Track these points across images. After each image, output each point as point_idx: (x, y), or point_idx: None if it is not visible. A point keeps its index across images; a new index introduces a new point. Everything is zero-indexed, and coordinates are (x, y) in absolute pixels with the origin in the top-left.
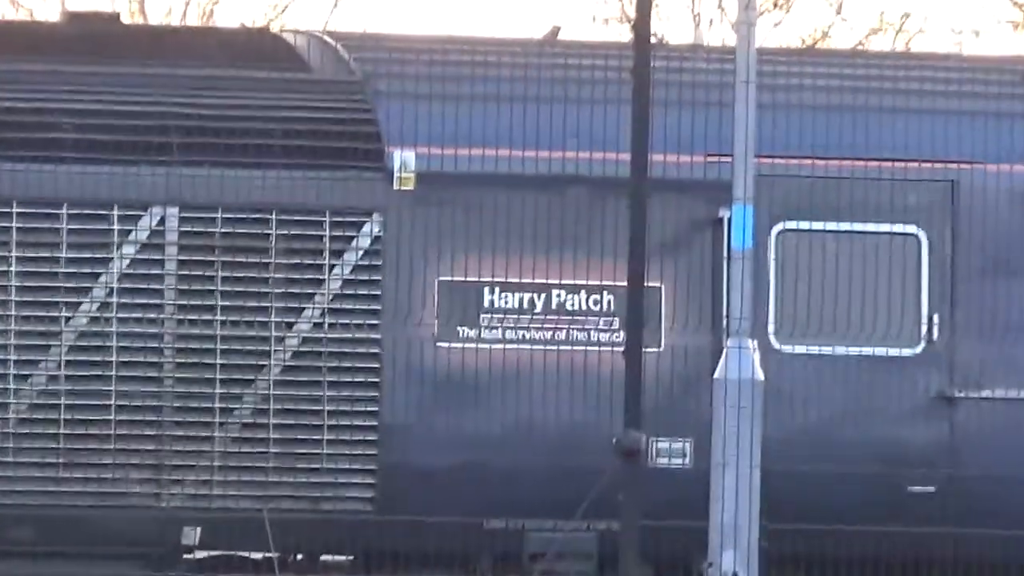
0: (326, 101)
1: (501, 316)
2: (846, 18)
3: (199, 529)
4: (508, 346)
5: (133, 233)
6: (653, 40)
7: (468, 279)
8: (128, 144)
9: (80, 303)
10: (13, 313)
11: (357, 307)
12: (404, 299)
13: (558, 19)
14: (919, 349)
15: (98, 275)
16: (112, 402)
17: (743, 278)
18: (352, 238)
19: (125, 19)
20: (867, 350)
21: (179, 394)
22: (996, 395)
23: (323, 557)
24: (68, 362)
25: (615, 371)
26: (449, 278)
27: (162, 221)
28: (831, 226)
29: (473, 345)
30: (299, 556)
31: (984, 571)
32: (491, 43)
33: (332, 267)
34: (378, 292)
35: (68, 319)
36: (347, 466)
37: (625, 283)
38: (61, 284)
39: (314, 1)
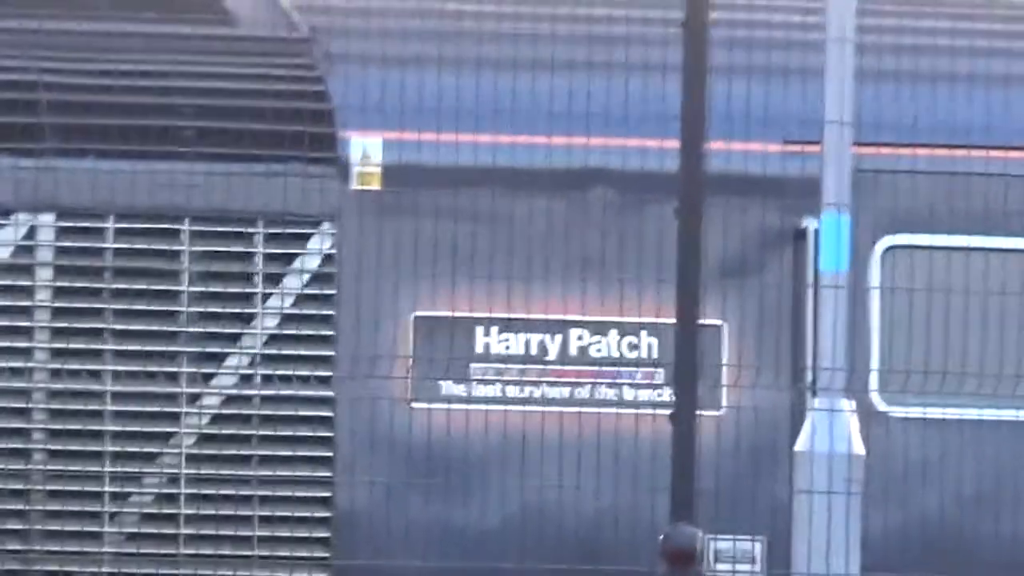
0: (260, 67)
1: (500, 365)
2: None
3: None
4: (510, 407)
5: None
6: None
7: (455, 314)
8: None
9: None
10: None
11: (301, 353)
12: (367, 342)
13: None
14: None
15: None
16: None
17: (836, 312)
18: (295, 256)
19: None
20: (1011, 413)
21: (53, 473)
22: None
23: None
24: None
25: (659, 442)
26: (429, 313)
27: (31, 232)
28: (961, 241)
29: (462, 406)
30: None
31: None
32: None
33: (267, 297)
34: (330, 332)
35: None
36: (295, 551)
37: (672, 320)
38: None
39: None
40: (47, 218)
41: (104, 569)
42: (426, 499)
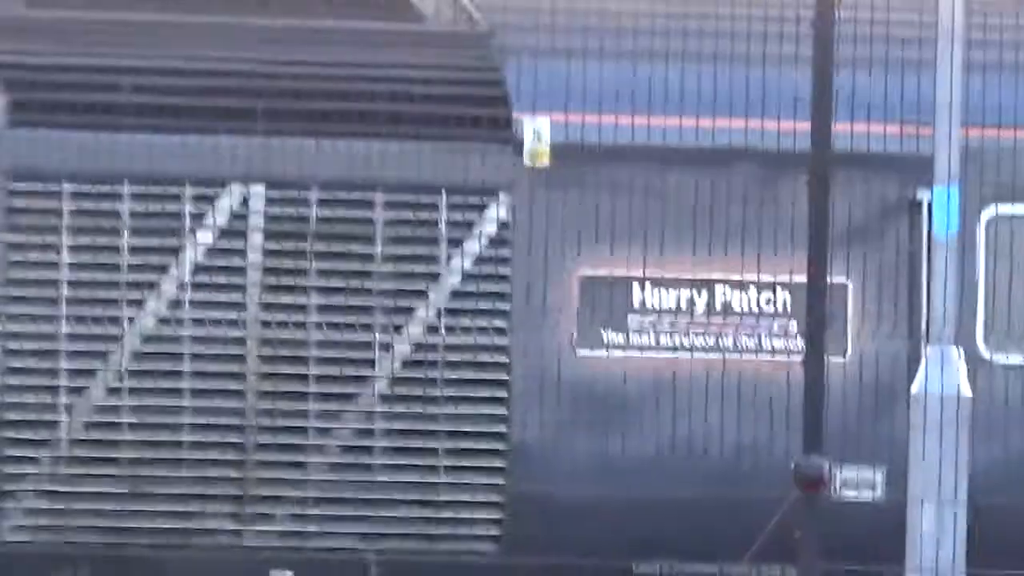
0: (443, 58)
1: (654, 318)
2: None
3: (290, 574)
4: (662, 354)
5: (209, 216)
6: None
7: (614, 274)
8: (205, 110)
9: (144, 300)
10: (67, 313)
11: (480, 307)
12: (537, 298)
13: None
14: None
15: (166, 268)
16: (184, 420)
17: (946, 272)
18: (474, 224)
19: None
20: None
21: (265, 411)
22: None
23: None
24: (133, 372)
25: (791, 384)
26: (592, 273)
27: (245, 202)
28: None
29: (620, 353)
30: None
31: None
32: None
33: (450, 259)
34: (506, 289)
35: (130, 320)
36: (468, 498)
37: (804, 278)
38: (124, 277)
39: None
40: (258, 188)
41: (310, 494)
42: (588, 433)
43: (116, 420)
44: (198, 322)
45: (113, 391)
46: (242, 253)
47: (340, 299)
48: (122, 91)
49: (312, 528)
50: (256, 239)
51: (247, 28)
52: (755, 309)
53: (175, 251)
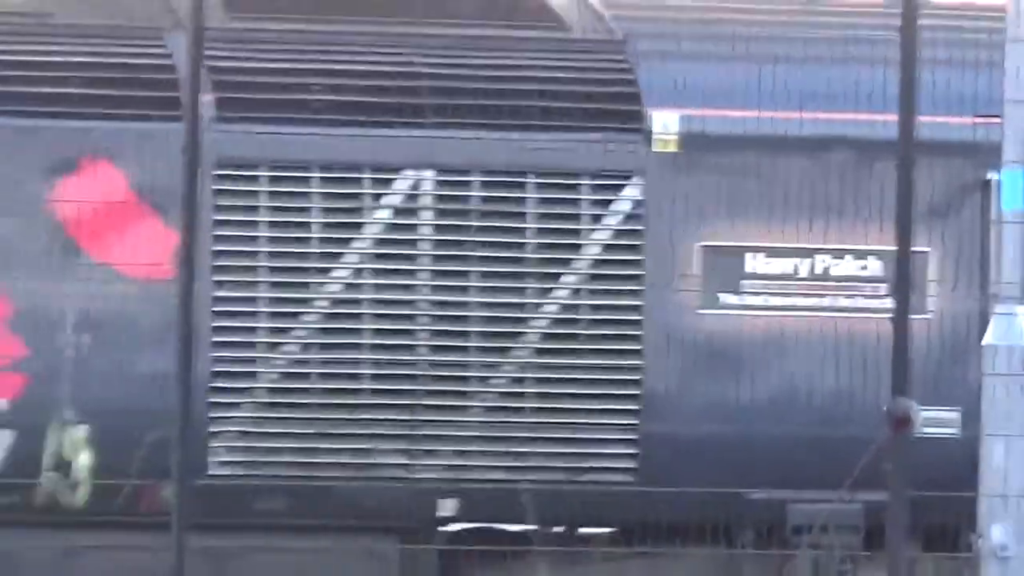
0: (584, 61)
1: (764, 282)
2: None
3: (454, 501)
4: (771, 313)
5: (387, 197)
6: None
7: (730, 244)
8: (380, 106)
9: (332, 270)
10: (263, 279)
11: (617, 272)
12: (666, 265)
13: None
14: None
15: (351, 241)
16: (364, 372)
17: (1013, 241)
18: (611, 202)
19: None
20: None
21: (433, 363)
22: None
23: (581, 529)
24: (325, 331)
25: (881, 338)
26: (711, 243)
27: (416, 184)
28: None
29: (735, 312)
30: (557, 528)
31: None
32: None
33: (591, 232)
34: (639, 257)
35: (320, 286)
36: (607, 436)
37: (892, 247)
38: (313, 250)
39: None
40: (428, 173)
41: (472, 433)
42: (709, 380)
43: (307, 371)
44: (379, 287)
45: (305, 346)
46: (414, 229)
47: (499, 266)
48: (312, 90)
49: (473, 463)
50: (426, 217)
51: (424, 36)
52: (851, 273)
53: (358, 227)
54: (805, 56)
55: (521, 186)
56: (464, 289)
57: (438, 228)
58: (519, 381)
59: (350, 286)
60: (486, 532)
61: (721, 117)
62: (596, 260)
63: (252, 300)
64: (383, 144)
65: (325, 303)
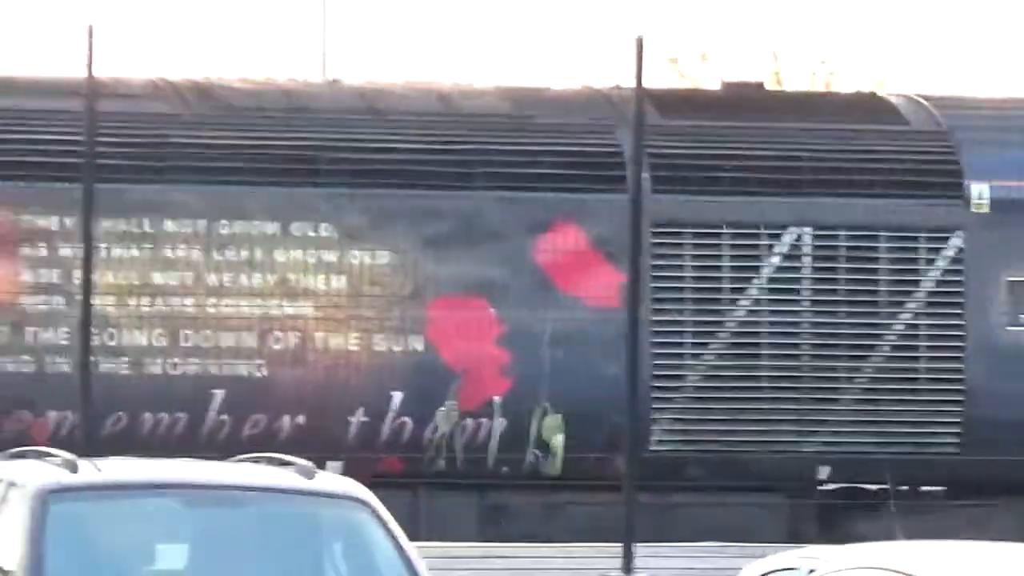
0: (919, 146)
1: None
2: None
3: (828, 467)
4: None
5: (777, 247)
6: None
7: None
8: (770, 180)
9: (737, 303)
10: (688, 307)
11: (947, 300)
12: (981, 294)
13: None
14: None
15: (752, 279)
16: (763, 374)
17: None
18: (941, 249)
19: (768, 86)
20: None
21: (815, 367)
22: None
23: (921, 488)
24: (733, 344)
25: None
26: (1014, 278)
27: (798, 238)
28: None
29: None
30: (903, 487)
31: None
32: None
33: (927, 271)
34: (961, 289)
35: (730, 312)
36: (940, 420)
37: None
38: (724, 286)
39: (910, 72)
40: (807, 230)
41: (841, 418)
42: (1015, 379)
43: (720, 373)
44: (772, 313)
45: (720, 355)
46: (798, 271)
47: (860, 297)
48: (724, 169)
49: (842, 440)
50: (806, 262)
51: (803, 129)
52: None
53: (757, 269)
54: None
55: (875, 238)
56: (834, 314)
57: (815, 270)
58: (875, 380)
59: (751, 312)
60: (851, 491)
61: (1020, 186)
62: (931, 291)
63: (680, 323)
64: (773, 208)
65: (733, 325)
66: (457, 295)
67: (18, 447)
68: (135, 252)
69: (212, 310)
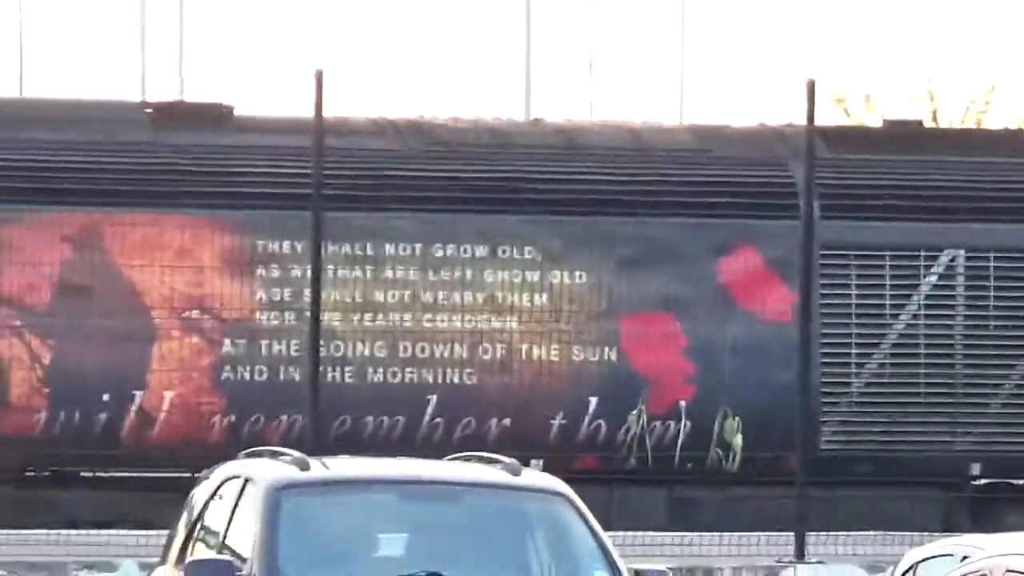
0: None
1: None
2: None
3: (980, 464)
4: None
5: (933, 268)
6: None
7: None
8: (927, 207)
9: (897, 317)
10: (853, 321)
11: None
12: None
13: None
14: None
15: (911, 296)
16: (921, 381)
17: None
18: None
19: (925, 123)
20: None
21: (967, 375)
22: None
23: None
24: (893, 354)
25: None
26: None
27: (953, 259)
28: None
29: None
30: None
31: None
32: None
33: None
34: None
35: (890, 326)
36: None
37: None
38: (886, 302)
39: None
40: (961, 252)
41: (992, 420)
42: None
43: (882, 380)
44: (928, 326)
45: (882, 364)
46: (952, 288)
47: (1009, 311)
48: (884, 198)
49: (993, 440)
50: (959, 281)
51: (954, 161)
52: None
53: (915, 287)
54: None
55: (1021, 259)
56: (984, 326)
57: (967, 288)
58: (1021, 386)
59: (910, 325)
60: (1002, 485)
61: None
62: None
63: (846, 335)
64: (929, 232)
65: (894, 337)
66: (646, 311)
67: (254, 447)
68: (358, 273)
69: (427, 324)
